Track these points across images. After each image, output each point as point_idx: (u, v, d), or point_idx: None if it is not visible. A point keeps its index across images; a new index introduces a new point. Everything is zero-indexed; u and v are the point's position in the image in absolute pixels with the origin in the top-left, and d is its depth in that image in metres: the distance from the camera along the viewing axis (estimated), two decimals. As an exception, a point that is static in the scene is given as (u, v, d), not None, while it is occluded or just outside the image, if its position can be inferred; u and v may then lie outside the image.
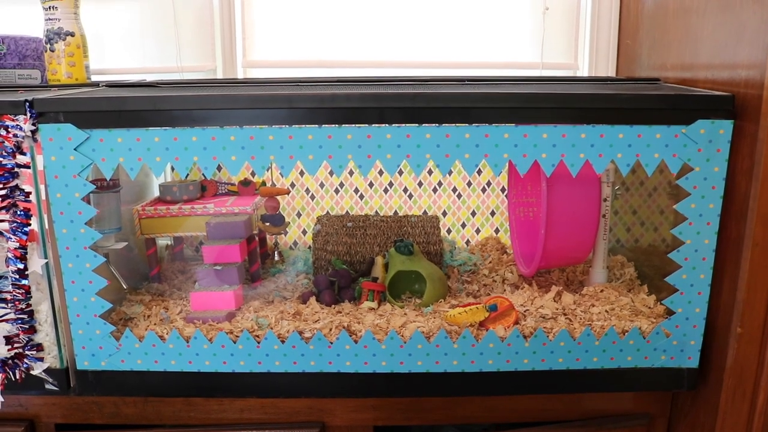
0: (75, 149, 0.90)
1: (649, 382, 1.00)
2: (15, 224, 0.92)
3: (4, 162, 0.90)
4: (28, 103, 0.89)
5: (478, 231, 1.44)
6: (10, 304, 0.95)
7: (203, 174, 1.26)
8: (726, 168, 0.90)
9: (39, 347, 0.98)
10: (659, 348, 0.98)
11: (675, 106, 0.89)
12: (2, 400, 0.98)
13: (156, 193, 1.27)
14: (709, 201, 0.91)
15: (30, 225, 0.93)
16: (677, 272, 0.94)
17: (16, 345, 0.97)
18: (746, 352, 0.93)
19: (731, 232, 0.92)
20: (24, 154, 0.90)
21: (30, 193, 0.92)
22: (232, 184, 1.28)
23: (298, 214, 1.43)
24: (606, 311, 1.04)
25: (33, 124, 0.89)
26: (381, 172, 1.41)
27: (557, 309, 1.06)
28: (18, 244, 0.93)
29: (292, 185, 1.41)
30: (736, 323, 0.92)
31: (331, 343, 0.97)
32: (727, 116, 0.89)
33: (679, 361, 0.99)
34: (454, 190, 1.42)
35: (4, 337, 0.96)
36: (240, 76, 1.48)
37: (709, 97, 0.90)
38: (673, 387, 1.01)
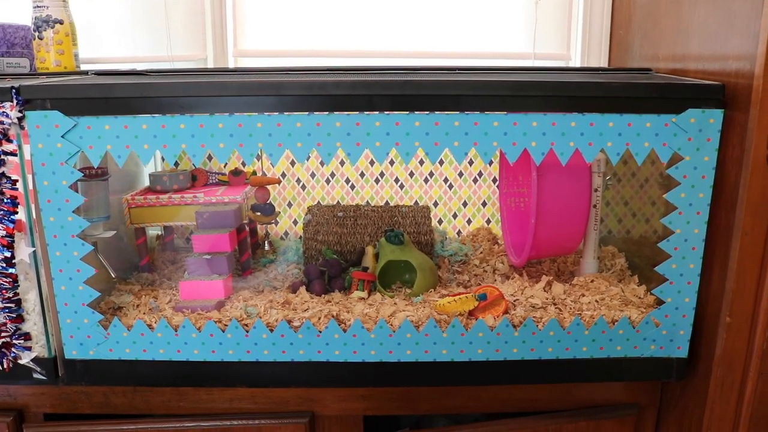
0: (62, 136, 0.89)
1: (639, 372, 1.00)
2: (2, 212, 0.92)
3: (-9, 149, 0.89)
4: (14, 90, 0.88)
5: (469, 221, 1.44)
6: (-3, 293, 0.95)
7: (193, 163, 1.25)
8: (716, 157, 0.90)
9: (27, 336, 0.97)
10: (649, 338, 0.98)
11: (665, 95, 0.89)
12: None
13: (146, 182, 1.26)
14: (699, 190, 0.91)
15: (17, 213, 0.92)
16: (667, 262, 0.94)
17: (3, 334, 0.96)
18: (735, 342, 0.94)
19: (721, 221, 0.92)
20: (11, 141, 0.90)
21: (17, 180, 0.91)
22: (223, 174, 1.27)
23: (289, 204, 1.43)
24: (596, 301, 1.04)
25: (20, 111, 0.88)
26: (372, 162, 1.40)
27: (547, 299, 1.05)
28: (5, 233, 0.92)
29: (283, 175, 1.40)
30: (725, 313, 0.92)
31: (320, 332, 0.97)
32: (717, 105, 0.88)
33: (668, 350, 0.99)
34: (446, 180, 1.42)
35: (-9, 325, 0.96)
36: (231, 65, 1.47)
37: (700, 86, 0.90)
38: (663, 377, 1.02)
